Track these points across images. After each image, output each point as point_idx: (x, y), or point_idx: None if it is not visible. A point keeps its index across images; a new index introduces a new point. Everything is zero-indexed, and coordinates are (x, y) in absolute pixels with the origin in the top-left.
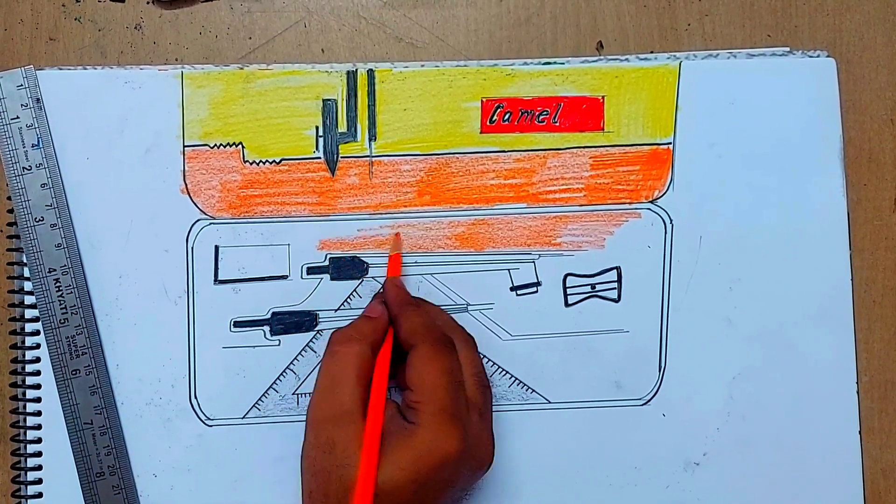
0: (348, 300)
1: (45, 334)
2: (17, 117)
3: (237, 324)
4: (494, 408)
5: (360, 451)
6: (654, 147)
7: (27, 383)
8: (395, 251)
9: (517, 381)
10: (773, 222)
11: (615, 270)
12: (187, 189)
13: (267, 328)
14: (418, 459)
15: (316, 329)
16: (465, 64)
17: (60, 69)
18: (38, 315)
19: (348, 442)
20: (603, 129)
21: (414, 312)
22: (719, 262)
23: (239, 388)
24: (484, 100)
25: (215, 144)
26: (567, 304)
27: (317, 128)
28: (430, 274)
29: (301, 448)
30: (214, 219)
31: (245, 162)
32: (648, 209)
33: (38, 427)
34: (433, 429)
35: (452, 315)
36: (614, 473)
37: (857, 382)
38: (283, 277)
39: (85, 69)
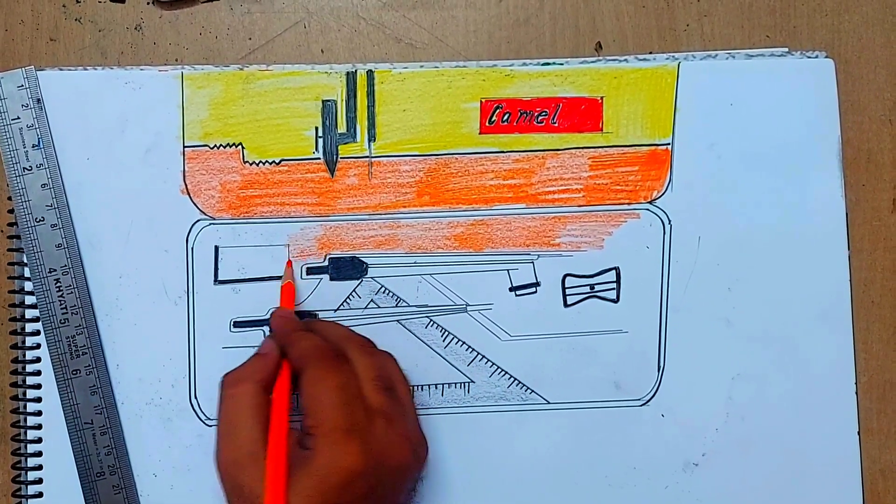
0: (348, 300)
1: (45, 334)
2: (18, 118)
3: (237, 324)
4: (495, 408)
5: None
6: (653, 148)
7: (28, 383)
8: (286, 280)
9: (516, 381)
10: (771, 223)
11: (614, 271)
12: (187, 189)
13: (267, 328)
14: (321, 483)
15: None
16: (464, 65)
17: (61, 70)
18: (38, 315)
19: (254, 483)
20: (602, 129)
21: (299, 338)
22: (718, 263)
23: None
24: (483, 100)
25: (215, 145)
26: (566, 305)
27: (316, 128)
28: (429, 274)
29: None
30: (214, 219)
31: (245, 162)
32: (647, 210)
33: (39, 427)
34: (329, 449)
35: (449, 314)
36: (613, 474)
37: (855, 383)
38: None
39: (85, 70)
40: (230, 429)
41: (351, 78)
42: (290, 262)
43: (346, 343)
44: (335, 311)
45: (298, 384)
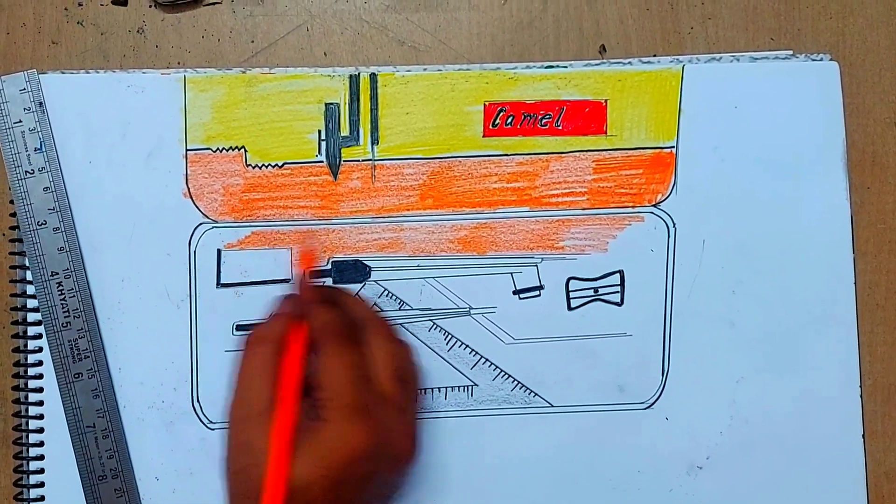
0: None
1: (47, 338)
2: (20, 121)
3: (239, 327)
4: (498, 411)
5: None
6: (657, 151)
7: (29, 387)
8: (308, 244)
9: (520, 384)
10: (776, 226)
11: (618, 274)
12: (189, 193)
13: None
14: (327, 456)
15: None
16: (467, 67)
17: (63, 73)
18: (40, 318)
19: (262, 441)
20: (606, 132)
21: (320, 311)
22: (722, 266)
23: None
24: (486, 103)
25: (218, 148)
26: (570, 308)
27: (319, 132)
28: (433, 277)
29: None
30: (217, 222)
31: (247, 166)
32: (651, 213)
33: (41, 430)
34: (339, 425)
35: (452, 318)
36: (617, 477)
37: (860, 386)
38: (286, 281)
39: (87, 73)
40: (246, 385)
41: (354, 81)
42: (309, 231)
43: (368, 324)
44: None
45: (316, 355)
